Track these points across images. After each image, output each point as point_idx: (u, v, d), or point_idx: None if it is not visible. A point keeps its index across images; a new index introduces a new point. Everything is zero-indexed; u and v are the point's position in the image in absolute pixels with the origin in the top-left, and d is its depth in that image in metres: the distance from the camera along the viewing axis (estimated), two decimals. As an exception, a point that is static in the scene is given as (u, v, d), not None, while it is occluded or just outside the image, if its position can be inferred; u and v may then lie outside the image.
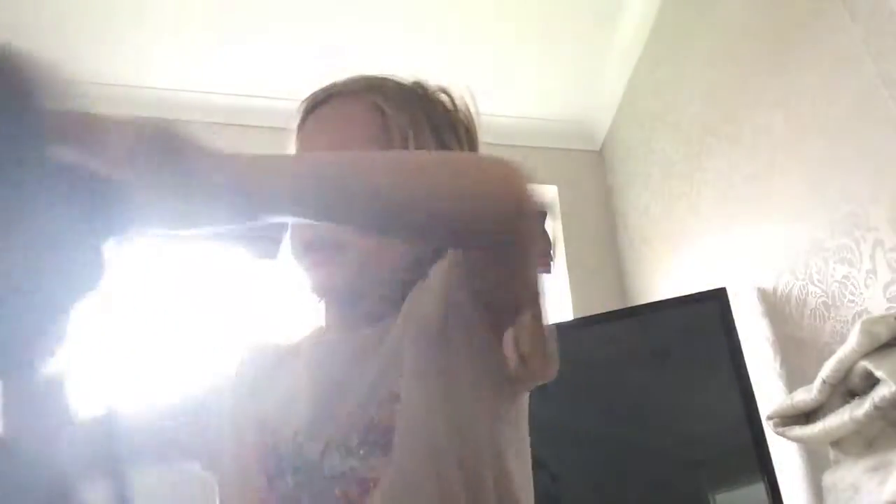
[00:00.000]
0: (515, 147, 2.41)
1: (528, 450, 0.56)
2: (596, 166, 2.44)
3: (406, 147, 0.62)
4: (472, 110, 0.69)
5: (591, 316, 1.62)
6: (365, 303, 0.61)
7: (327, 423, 0.55)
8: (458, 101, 0.68)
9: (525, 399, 0.56)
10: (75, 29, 2.05)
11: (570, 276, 2.16)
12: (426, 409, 0.52)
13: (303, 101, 0.68)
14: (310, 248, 0.60)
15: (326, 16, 2.02)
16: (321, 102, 0.66)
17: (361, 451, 0.53)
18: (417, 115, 0.64)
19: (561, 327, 1.81)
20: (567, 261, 2.20)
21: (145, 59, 2.16)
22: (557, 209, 2.34)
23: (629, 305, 2.04)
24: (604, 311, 1.64)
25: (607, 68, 2.24)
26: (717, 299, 1.34)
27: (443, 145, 0.64)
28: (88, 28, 2.05)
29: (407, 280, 0.59)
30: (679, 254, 1.77)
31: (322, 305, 0.66)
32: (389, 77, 0.68)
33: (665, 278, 1.84)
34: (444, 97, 0.68)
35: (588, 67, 2.24)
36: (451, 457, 0.50)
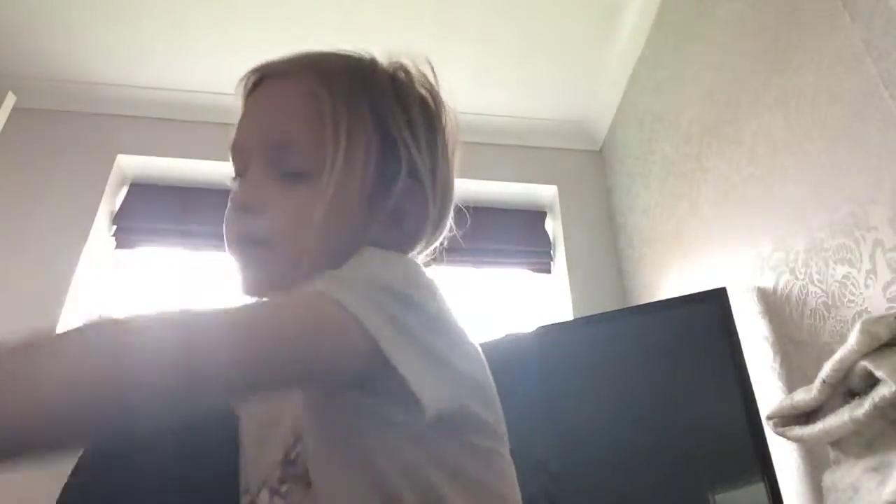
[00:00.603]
0: (515, 147, 2.42)
1: (470, 462, 0.52)
2: (596, 166, 2.45)
3: (338, 134, 0.57)
4: (433, 83, 0.64)
5: (591, 316, 1.62)
6: None
7: (260, 467, 0.56)
8: (415, 75, 0.63)
9: (441, 415, 0.47)
10: (76, 28, 2.05)
11: (570, 276, 2.16)
12: (323, 440, 0.51)
13: (241, 80, 0.64)
14: (239, 244, 0.58)
15: (327, 16, 2.02)
16: (256, 84, 0.63)
17: (284, 489, 0.53)
18: (357, 98, 0.59)
19: (561, 327, 1.82)
20: (567, 261, 2.20)
21: (146, 59, 2.16)
22: (557, 209, 2.34)
23: (629, 305, 2.04)
24: (604, 311, 1.64)
25: (607, 68, 2.24)
26: (717, 299, 1.34)
27: (387, 131, 0.59)
28: (89, 27, 2.05)
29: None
30: (679, 254, 1.77)
31: None
32: (334, 54, 0.63)
33: (665, 278, 1.84)
34: (399, 74, 0.63)
35: (588, 67, 2.25)
36: (363, 483, 0.48)
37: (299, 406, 0.54)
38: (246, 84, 0.64)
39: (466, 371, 0.52)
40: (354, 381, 0.47)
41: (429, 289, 0.52)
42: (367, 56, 0.64)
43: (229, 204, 0.59)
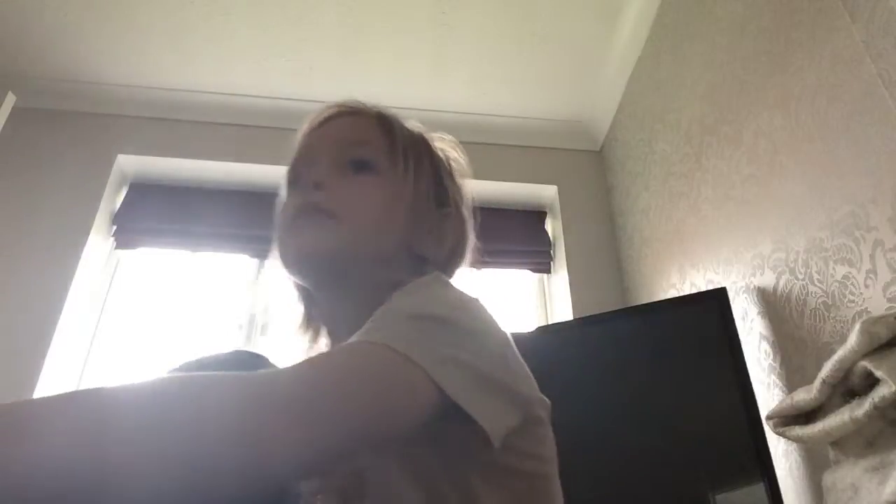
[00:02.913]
0: (516, 147, 2.42)
1: (521, 484, 0.55)
2: (596, 166, 2.45)
3: (407, 151, 0.66)
4: (466, 167, 0.74)
5: (591, 316, 1.61)
6: (351, 285, 0.61)
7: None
8: (452, 153, 0.73)
9: (472, 430, 0.47)
10: (76, 28, 2.05)
11: (570, 276, 2.16)
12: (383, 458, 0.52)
13: (313, 115, 0.70)
14: (300, 213, 0.61)
15: (327, 17, 2.02)
16: (338, 115, 0.69)
17: (318, 499, 0.53)
18: (419, 143, 0.69)
19: (561, 327, 1.82)
20: (567, 261, 2.20)
21: (146, 59, 2.16)
22: (557, 209, 2.34)
23: (629, 305, 2.04)
24: (604, 311, 1.63)
25: (607, 68, 2.24)
26: (717, 299, 1.34)
27: (440, 177, 0.69)
28: (89, 27, 2.05)
29: (385, 280, 0.59)
30: (679, 254, 1.77)
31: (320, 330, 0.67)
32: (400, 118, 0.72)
33: (665, 278, 1.84)
34: (441, 149, 0.73)
35: (588, 67, 2.25)
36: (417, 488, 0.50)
37: None
38: (316, 118, 0.70)
39: (527, 394, 0.55)
40: (423, 429, 0.47)
41: (482, 316, 0.55)
42: (417, 127, 0.73)
43: (290, 192, 0.65)
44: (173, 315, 2.07)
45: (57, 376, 1.82)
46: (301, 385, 0.40)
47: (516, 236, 2.33)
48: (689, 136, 1.73)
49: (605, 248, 2.24)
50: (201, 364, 0.62)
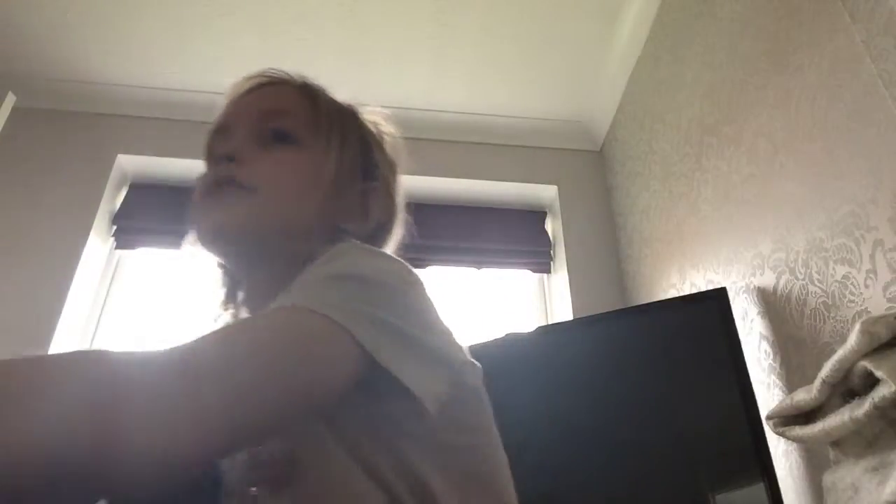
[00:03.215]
0: (516, 147, 2.42)
1: (462, 458, 0.51)
2: (596, 166, 2.45)
3: (331, 121, 0.63)
4: (397, 139, 0.71)
5: (591, 316, 1.61)
6: (269, 259, 0.59)
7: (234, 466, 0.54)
8: (383, 126, 0.71)
9: (429, 412, 0.46)
10: (76, 28, 2.05)
11: (570, 276, 2.16)
12: (312, 437, 0.48)
13: (235, 84, 0.67)
14: (214, 188, 0.59)
15: (327, 17, 2.02)
16: (259, 85, 0.67)
17: (253, 491, 0.50)
18: (344, 113, 0.66)
19: (561, 327, 1.81)
20: (567, 261, 2.20)
21: (146, 59, 2.16)
22: (557, 209, 2.34)
23: (629, 305, 2.04)
24: (604, 311, 1.63)
25: (607, 68, 2.24)
26: (717, 299, 1.34)
27: (367, 148, 0.67)
28: (89, 27, 2.05)
29: (305, 253, 0.55)
30: (679, 254, 1.77)
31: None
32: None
33: (665, 278, 1.84)
34: (372, 122, 0.70)
35: (588, 67, 2.25)
36: (357, 481, 0.46)
37: None
38: (235, 89, 0.67)
39: (456, 358, 0.52)
40: (350, 390, 0.45)
41: (408, 279, 0.52)
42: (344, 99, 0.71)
43: (207, 164, 0.62)
44: (173, 315, 2.07)
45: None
46: (216, 359, 0.37)
47: (516, 236, 2.33)
48: (689, 136, 1.73)
49: (605, 248, 2.24)
50: None
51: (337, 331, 0.42)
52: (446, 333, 0.52)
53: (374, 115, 0.71)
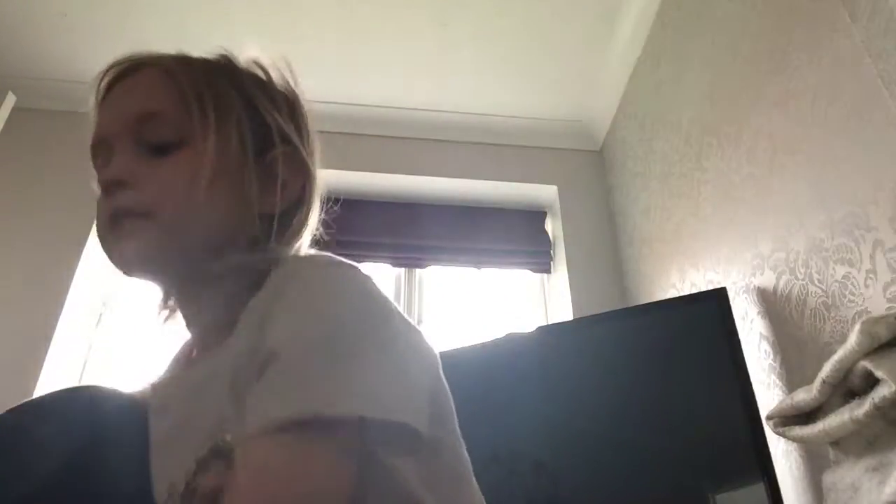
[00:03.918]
0: (516, 147, 2.42)
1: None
2: (596, 166, 2.45)
3: (203, 103, 0.56)
4: (291, 80, 0.64)
5: (591, 316, 1.61)
6: (193, 280, 0.56)
7: (169, 471, 0.52)
8: (272, 72, 0.63)
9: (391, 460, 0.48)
10: (76, 28, 2.05)
11: (570, 276, 2.16)
12: None
13: (91, 85, 0.61)
14: (115, 219, 0.55)
15: (327, 17, 2.02)
16: (117, 79, 0.60)
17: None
18: (215, 75, 0.59)
19: (561, 327, 1.81)
20: (567, 261, 2.20)
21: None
22: (557, 209, 2.34)
23: (629, 305, 2.04)
24: (604, 311, 1.63)
25: (607, 68, 2.24)
26: (717, 299, 1.34)
27: (252, 106, 0.59)
28: (89, 27, 2.05)
29: (233, 266, 0.54)
30: (679, 254, 1.77)
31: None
32: (188, 54, 0.62)
33: (665, 278, 1.84)
34: (256, 68, 0.63)
35: (588, 67, 2.25)
36: None
37: (221, 406, 0.49)
38: (98, 89, 0.61)
39: (427, 385, 0.52)
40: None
41: (384, 308, 0.50)
42: (216, 53, 0.64)
43: (99, 191, 0.57)
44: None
45: (57, 376, 1.82)
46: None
47: (516, 236, 2.33)
48: (689, 136, 1.73)
49: (605, 248, 2.24)
50: (23, 411, 0.55)
51: (341, 453, 0.43)
52: (420, 354, 0.53)
53: (253, 57, 0.63)
